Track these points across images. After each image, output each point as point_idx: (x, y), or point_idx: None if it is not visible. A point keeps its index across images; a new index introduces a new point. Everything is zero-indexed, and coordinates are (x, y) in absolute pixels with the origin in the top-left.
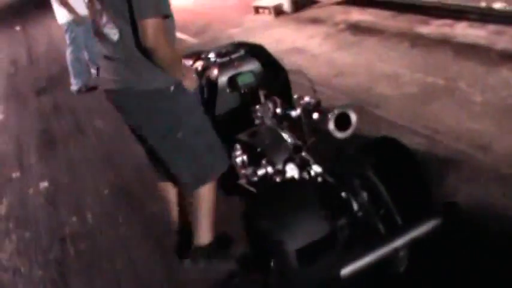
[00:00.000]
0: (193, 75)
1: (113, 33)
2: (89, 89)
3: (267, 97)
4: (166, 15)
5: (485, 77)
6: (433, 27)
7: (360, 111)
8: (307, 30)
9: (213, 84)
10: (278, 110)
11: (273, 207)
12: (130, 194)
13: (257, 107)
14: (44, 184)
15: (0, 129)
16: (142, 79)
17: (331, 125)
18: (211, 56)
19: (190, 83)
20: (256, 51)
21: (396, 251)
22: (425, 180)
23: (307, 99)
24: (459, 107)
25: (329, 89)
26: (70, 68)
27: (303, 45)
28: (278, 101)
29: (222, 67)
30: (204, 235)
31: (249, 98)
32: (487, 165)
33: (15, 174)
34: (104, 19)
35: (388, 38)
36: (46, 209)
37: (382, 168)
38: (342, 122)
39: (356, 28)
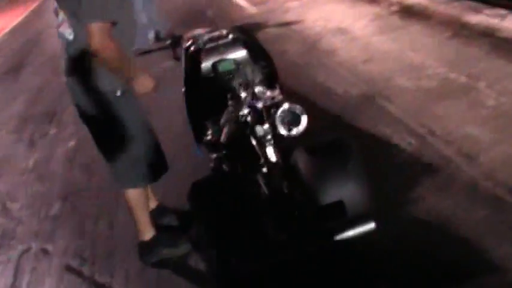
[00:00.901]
0: (147, 80)
1: (68, 33)
2: (141, 52)
3: (241, 85)
4: (114, 21)
5: (509, 78)
6: (483, 17)
7: (369, 102)
8: (360, 9)
9: (197, 68)
10: (247, 100)
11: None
12: None
13: (229, 95)
14: (71, 143)
15: (49, 91)
16: (91, 79)
17: (277, 121)
18: (204, 39)
19: (142, 87)
20: (246, 38)
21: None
22: (362, 187)
23: (269, 93)
24: (467, 109)
25: (352, 75)
26: None
27: (347, 26)
28: (252, 91)
29: (207, 52)
30: (144, 231)
31: (230, 84)
32: (465, 175)
33: (52, 131)
34: (60, 18)
35: (432, 26)
36: (64, 167)
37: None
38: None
39: (407, 11)
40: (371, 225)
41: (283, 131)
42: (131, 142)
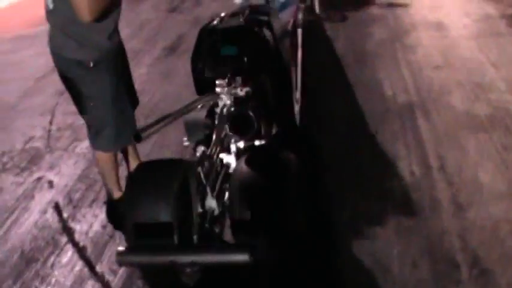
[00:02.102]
0: None
1: (50, 2)
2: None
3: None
4: None
5: None
6: None
7: (405, 115)
8: (475, 5)
9: (204, 45)
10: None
11: (138, 179)
12: None
13: (217, 81)
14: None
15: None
16: (66, 48)
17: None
18: (220, 18)
19: None
20: (261, 24)
21: (183, 265)
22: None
23: (238, 90)
24: (499, 149)
25: (412, 79)
26: None
27: (448, 22)
28: (238, 80)
29: (214, 33)
30: (112, 190)
31: (224, 70)
32: (439, 225)
33: None
34: None
35: None
36: None
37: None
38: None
39: None
40: (244, 257)
41: (235, 137)
42: (99, 112)
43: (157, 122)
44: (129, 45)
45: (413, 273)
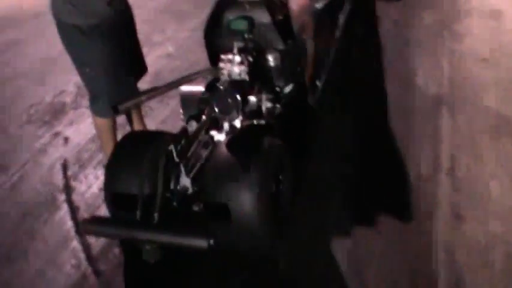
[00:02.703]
0: None
1: None
2: None
3: (239, 51)
4: None
5: None
6: None
7: (430, 109)
8: None
9: (218, 17)
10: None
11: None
12: None
13: (221, 55)
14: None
15: None
16: (64, 12)
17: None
18: None
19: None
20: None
21: (142, 241)
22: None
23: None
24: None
25: (451, 70)
26: None
27: (508, 12)
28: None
29: (232, 6)
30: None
31: (231, 45)
32: (425, 189)
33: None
34: None
35: None
36: None
37: None
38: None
39: None
40: (202, 243)
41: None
42: (94, 78)
43: (142, 93)
44: (178, 7)
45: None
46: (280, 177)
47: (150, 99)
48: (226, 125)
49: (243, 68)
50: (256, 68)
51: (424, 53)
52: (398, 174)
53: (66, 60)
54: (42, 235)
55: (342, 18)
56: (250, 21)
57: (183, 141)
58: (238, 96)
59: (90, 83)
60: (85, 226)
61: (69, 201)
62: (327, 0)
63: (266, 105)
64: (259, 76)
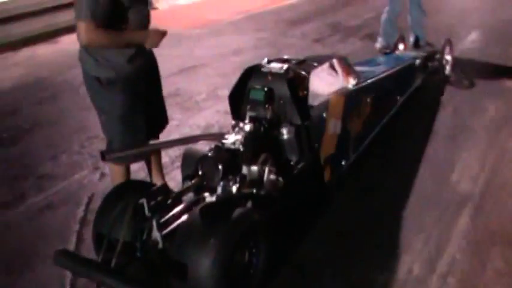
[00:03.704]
0: (156, 34)
1: None
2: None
3: (251, 120)
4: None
5: None
6: None
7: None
8: None
9: (242, 84)
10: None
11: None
12: None
13: (233, 122)
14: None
15: None
16: (87, 64)
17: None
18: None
19: (151, 43)
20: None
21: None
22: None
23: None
24: None
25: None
26: (381, 26)
27: None
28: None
29: (256, 75)
30: None
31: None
32: None
33: None
34: None
35: None
36: None
37: None
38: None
39: None
40: None
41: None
42: (108, 126)
43: (137, 146)
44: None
45: None
46: (253, 249)
47: (144, 153)
48: (219, 189)
49: (239, 137)
50: (267, 138)
51: (471, 147)
52: (389, 266)
53: None
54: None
55: (400, 98)
56: (269, 92)
57: (159, 198)
58: (220, 166)
59: (106, 130)
60: (56, 256)
61: (79, 233)
62: (364, 81)
63: (269, 176)
64: (268, 147)
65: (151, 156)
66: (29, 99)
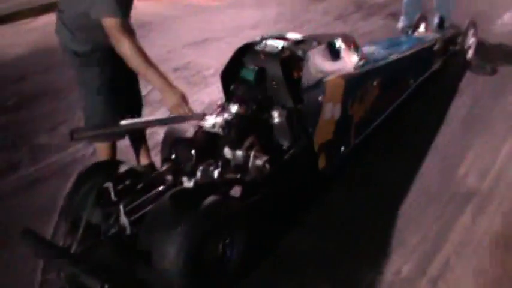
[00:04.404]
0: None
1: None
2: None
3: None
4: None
5: None
6: None
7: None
8: None
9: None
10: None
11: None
12: None
13: (218, 103)
14: None
15: None
16: (63, 39)
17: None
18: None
19: (171, 103)
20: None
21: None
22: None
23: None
24: None
25: (499, 167)
26: (403, 5)
27: None
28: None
29: (249, 54)
30: None
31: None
32: None
33: None
34: None
35: None
36: None
37: None
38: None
39: None
40: (96, 285)
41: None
42: (86, 101)
43: (105, 127)
44: None
45: None
46: (227, 240)
47: (118, 133)
48: (198, 174)
49: (220, 120)
50: (255, 121)
51: (485, 139)
52: (377, 264)
53: None
54: None
55: (413, 82)
56: (261, 72)
57: (127, 182)
58: (193, 150)
59: (85, 105)
60: (22, 235)
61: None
62: (371, 64)
63: (254, 161)
64: (256, 131)
65: (135, 135)
66: (38, 66)
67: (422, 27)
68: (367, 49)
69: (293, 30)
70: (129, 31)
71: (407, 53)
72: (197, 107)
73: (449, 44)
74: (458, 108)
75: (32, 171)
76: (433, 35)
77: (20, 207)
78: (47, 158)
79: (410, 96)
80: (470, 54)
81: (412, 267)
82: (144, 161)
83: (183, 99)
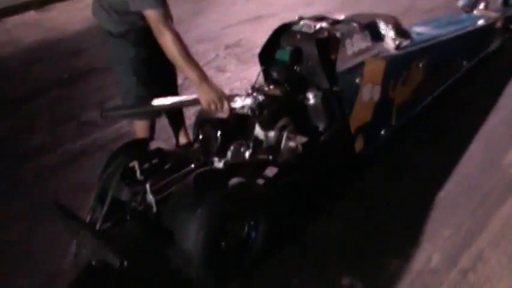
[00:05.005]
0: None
1: None
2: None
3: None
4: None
5: None
6: None
7: (494, 191)
8: None
9: (272, 42)
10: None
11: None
12: None
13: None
14: None
15: None
16: (100, 19)
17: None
18: (307, 20)
19: (206, 101)
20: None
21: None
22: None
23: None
24: None
25: None
26: None
27: None
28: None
29: (286, 34)
30: None
31: (269, 73)
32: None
33: None
34: None
35: None
36: None
37: None
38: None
39: None
40: (115, 262)
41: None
42: (121, 78)
43: (135, 106)
44: None
45: None
46: (251, 222)
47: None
48: (229, 154)
49: (249, 101)
50: (289, 103)
51: None
52: (404, 252)
53: None
54: None
55: (466, 63)
56: (296, 53)
57: (154, 161)
58: (218, 133)
59: (120, 83)
60: (53, 208)
61: None
62: (415, 45)
63: (287, 143)
64: (290, 112)
65: (173, 115)
66: (93, 41)
67: (482, 5)
68: (418, 29)
69: (349, 7)
70: (170, 22)
71: (461, 32)
72: (245, 85)
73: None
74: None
75: (76, 147)
76: (494, 13)
77: (63, 181)
78: (92, 133)
79: (463, 78)
80: None
81: (443, 257)
82: (182, 140)
83: (220, 97)
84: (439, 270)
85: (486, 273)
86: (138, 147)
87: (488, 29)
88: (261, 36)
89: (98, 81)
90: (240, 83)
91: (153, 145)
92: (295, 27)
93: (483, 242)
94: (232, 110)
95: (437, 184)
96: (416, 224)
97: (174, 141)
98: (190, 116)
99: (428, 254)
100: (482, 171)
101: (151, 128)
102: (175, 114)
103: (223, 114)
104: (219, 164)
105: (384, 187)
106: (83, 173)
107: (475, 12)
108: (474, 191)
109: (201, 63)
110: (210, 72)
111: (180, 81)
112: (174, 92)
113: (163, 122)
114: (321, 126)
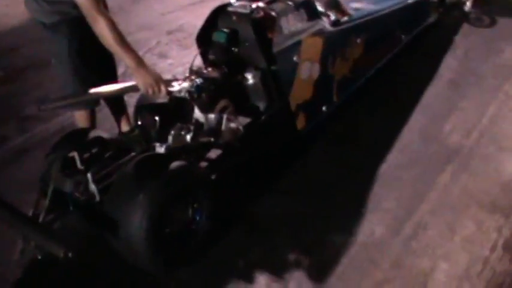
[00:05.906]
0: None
1: None
2: None
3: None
4: None
5: None
6: None
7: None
8: None
9: (209, 23)
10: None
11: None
12: None
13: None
14: None
15: None
16: (31, 10)
17: None
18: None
19: (144, 85)
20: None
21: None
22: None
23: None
24: None
25: (486, 124)
26: None
27: None
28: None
29: (223, 16)
30: None
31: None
32: (368, 249)
33: None
34: None
35: None
36: None
37: None
38: None
39: None
40: (59, 252)
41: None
42: (59, 70)
43: (71, 96)
44: None
45: None
46: (195, 205)
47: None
48: (170, 139)
49: (186, 84)
50: (227, 84)
51: (474, 94)
52: (349, 226)
53: None
54: None
55: (405, 37)
56: (233, 34)
57: (94, 150)
58: (157, 118)
59: (58, 76)
60: None
61: None
62: (353, 20)
63: (227, 124)
64: (229, 94)
65: (114, 103)
66: (31, 37)
67: None
68: (356, 4)
69: None
70: (103, 9)
71: (398, 7)
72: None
73: None
74: (451, 62)
75: (19, 143)
76: None
77: (7, 178)
78: (35, 128)
79: (401, 52)
80: (468, 6)
81: (385, 228)
82: (125, 128)
83: (157, 81)
84: (382, 241)
85: (427, 241)
86: (77, 138)
87: (425, 3)
88: (203, 20)
89: (36, 78)
90: (183, 68)
91: (93, 134)
92: (231, 8)
93: (423, 211)
94: (170, 93)
95: (379, 156)
96: (358, 197)
97: (117, 130)
98: (132, 103)
99: (371, 226)
100: (422, 142)
101: (92, 118)
102: (116, 102)
103: (162, 98)
104: (160, 149)
105: (327, 160)
106: (27, 168)
107: None
108: (414, 163)
109: (142, 50)
110: (152, 59)
111: (122, 69)
112: (114, 81)
113: (106, 111)
114: (261, 106)
